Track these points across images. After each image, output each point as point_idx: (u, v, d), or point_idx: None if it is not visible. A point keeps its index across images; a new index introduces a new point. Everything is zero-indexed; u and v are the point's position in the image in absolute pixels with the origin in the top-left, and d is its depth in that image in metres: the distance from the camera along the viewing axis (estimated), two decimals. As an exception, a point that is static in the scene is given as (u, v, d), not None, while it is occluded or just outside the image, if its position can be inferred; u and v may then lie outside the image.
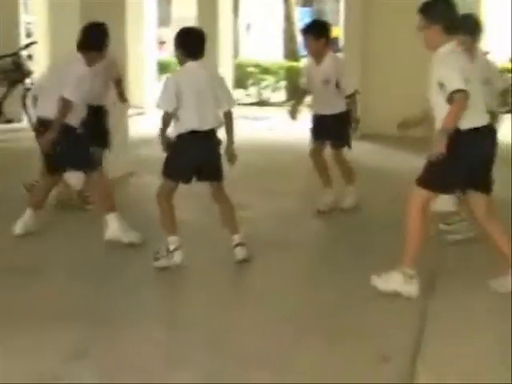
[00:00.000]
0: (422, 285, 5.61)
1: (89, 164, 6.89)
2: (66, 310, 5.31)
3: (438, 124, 5.41)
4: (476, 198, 5.72)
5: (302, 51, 27.83)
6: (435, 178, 5.48)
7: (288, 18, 21.50)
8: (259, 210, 8.07)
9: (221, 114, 6.27)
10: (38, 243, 6.76)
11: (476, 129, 5.41)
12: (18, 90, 13.09)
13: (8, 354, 4.57)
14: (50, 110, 6.60)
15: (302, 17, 33.84)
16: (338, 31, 14.29)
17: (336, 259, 6.49)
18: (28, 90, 12.95)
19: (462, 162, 5.41)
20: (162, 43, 24.22)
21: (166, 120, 6.17)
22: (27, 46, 13.81)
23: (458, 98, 5.23)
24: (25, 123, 13.01)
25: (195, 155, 6.16)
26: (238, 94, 17.83)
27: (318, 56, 7.90)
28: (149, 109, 15.90)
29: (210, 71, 6.47)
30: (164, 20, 27.30)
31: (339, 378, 4.34)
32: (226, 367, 4.46)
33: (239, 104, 16.99)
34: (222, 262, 6.40)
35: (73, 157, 6.85)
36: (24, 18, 15.39)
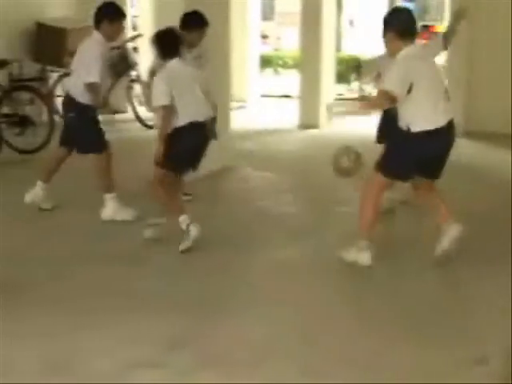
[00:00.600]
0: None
1: (96, 148, 7.26)
2: (167, 299, 5.39)
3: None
4: (425, 183, 6.27)
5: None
6: (392, 165, 6.01)
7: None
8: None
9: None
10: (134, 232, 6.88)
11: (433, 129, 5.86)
12: (123, 82, 13.32)
13: (106, 343, 4.67)
14: None
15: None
16: (442, 28, 14.05)
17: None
18: (133, 81, 13.20)
19: (417, 156, 5.92)
20: (264, 37, 24.33)
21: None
22: (133, 38, 14.03)
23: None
24: (130, 114, 13.27)
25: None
26: (341, 89, 17.78)
27: None
28: (251, 102, 16.02)
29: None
30: (267, 14, 27.41)
31: (433, 380, 4.28)
32: (319, 364, 4.45)
33: (341, 99, 16.98)
34: (324, 259, 6.41)
35: (82, 139, 7.30)
36: (130, 11, 15.65)
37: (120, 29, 7.49)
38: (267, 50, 23.62)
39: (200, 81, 6.63)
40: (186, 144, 6.44)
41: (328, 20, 13.64)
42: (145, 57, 13.72)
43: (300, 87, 13.77)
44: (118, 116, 13.64)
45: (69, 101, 7.28)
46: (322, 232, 7.10)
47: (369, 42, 27.57)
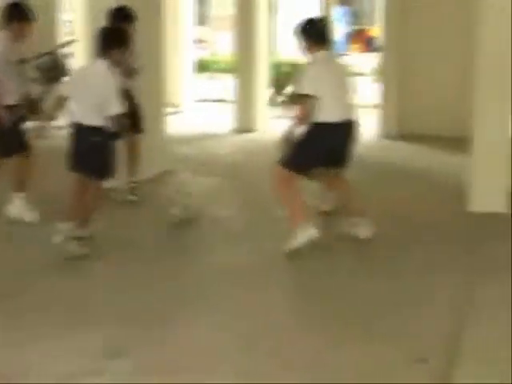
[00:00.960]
0: (458, 282, 5.63)
1: (15, 150, 7.21)
2: (108, 309, 5.37)
3: None
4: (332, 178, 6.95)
5: (340, 50, 27.90)
6: (293, 160, 6.47)
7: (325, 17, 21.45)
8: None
9: None
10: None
11: (333, 122, 6.45)
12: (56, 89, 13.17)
13: (39, 355, 4.62)
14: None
15: (338, 16, 33.81)
16: (375, 31, 14.19)
17: (374, 258, 6.47)
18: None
19: (316, 150, 6.48)
20: (201, 42, 24.29)
21: None
22: (66, 43, 13.87)
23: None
24: (62, 121, 13.11)
25: None
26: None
27: None
28: (187, 107, 15.97)
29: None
30: (204, 19, 27.39)
31: (373, 379, 4.32)
32: (259, 367, 4.46)
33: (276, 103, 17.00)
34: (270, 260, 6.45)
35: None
36: (64, 16, 15.49)
37: (29, 30, 7.38)
38: (204, 54, 23.59)
39: None
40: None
41: (262, 24, 13.69)
42: (81, 62, 13.62)
43: (235, 91, 13.77)
44: (51, 123, 13.45)
45: None
46: (260, 234, 7.12)
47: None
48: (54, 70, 12.98)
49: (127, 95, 7.91)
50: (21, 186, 7.35)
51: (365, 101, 17.48)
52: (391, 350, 4.63)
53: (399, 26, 12.76)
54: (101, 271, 6.17)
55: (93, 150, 6.44)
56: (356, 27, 42.00)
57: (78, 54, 14.23)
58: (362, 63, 23.54)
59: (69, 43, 13.86)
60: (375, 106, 13.98)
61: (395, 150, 11.63)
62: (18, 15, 7.18)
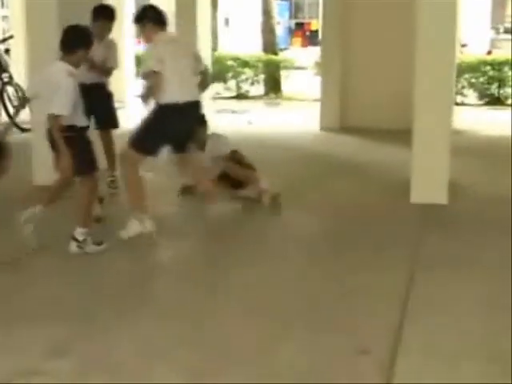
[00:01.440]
0: (400, 274, 5.72)
1: None
2: (46, 307, 5.28)
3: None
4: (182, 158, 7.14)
5: (281, 44, 28.00)
6: (142, 143, 6.66)
7: (266, 12, 21.50)
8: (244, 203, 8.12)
9: None
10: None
11: (179, 103, 6.63)
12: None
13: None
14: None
15: (280, 10, 33.94)
16: (316, 24, 14.27)
17: (319, 251, 6.51)
18: (5, 84, 12.88)
19: (164, 131, 6.65)
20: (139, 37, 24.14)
21: None
22: (4, 40, 13.72)
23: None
24: (3, 117, 12.95)
25: None
26: (218, 88, 17.83)
27: None
28: (129, 103, 15.85)
29: None
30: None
31: (318, 371, 4.33)
32: (207, 362, 4.44)
33: (218, 98, 17.04)
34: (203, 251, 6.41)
35: None
36: (0, 12, 15.30)
37: None
38: (141, 49, 23.44)
39: None
40: None
41: (203, 19, 13.65)
42: (17, 58, 13.46)
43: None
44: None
45: None
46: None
47: (245, 39, 27.86)
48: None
49: (100, 91, 8.41)
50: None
51: (306, 94, 17.78)
52: (335, 342, 4.66)
53: (340, 19, 12.85)
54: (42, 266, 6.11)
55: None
56: (298, 21, 42.19)
57: (16, 50, 14.07)
58: (304, 57, 23.69)
59: (6, 39, 13.75)
60: (316, 100, 14.08)
61: (336, 144, 11.72)
62: None
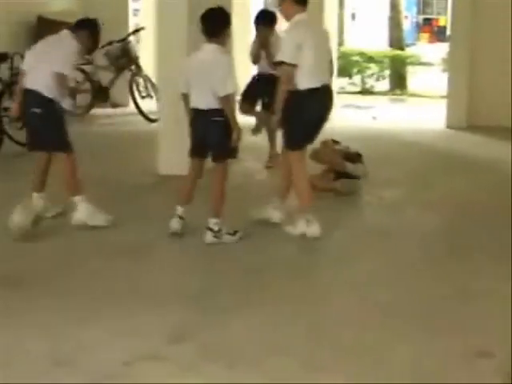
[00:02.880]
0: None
1: (64, 147, 6.82)
2: (169, 292, 5.39)
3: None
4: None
5: (408, 40, 27.67)
6: (293, 140, 6.57)
7: (394, 6, 21.29)
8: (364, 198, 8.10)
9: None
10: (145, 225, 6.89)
11: (318, 88, 6.44)
12: (125, 76, 13.32)
13: (114, 335, 4.66)
14: None
15: (408, 5, 33.53)
16: (444, 20, 14.04)
17: (436, 251, 6.41)
18: (135, 74, 13.19)
19: (305, 117, 6.44)
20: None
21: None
22: (135, 32, 14.02)
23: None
24: (131, 108, 13.26)
25: None
26: (343, 83, 17.78)
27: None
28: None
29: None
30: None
31: (437, 372, 4.27)
32: (323, 356, 4.43)
33: (343, 92, 16.99)
34: (320, 249, 6.43)
35: (49, 136, 6.86)
36: (132, 4, 15.64)
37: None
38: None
39: None
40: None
41: (330, 14, 13.64)
42: (146, 50, 13.75)
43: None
44: (119, 110, 13.65)
45: (33, 96, 6.77)
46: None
47: (371, 34, 27.66)
48: (123, 57, 13.18)
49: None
50: (76, 187, 6.90)
51: (433, 91, 17.51)
52: (454, 344, 4.58)
53: (469, 15, 12.60)
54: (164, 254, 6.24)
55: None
56: (425, 16, 41.62)
57: (145, 42, 14.37)
58: (431, 53, 23.35)
59: (137, 31, 14.05)
60: (443, 97, 13.86)
61: (462, 142, 11.50)
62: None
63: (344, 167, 8.16)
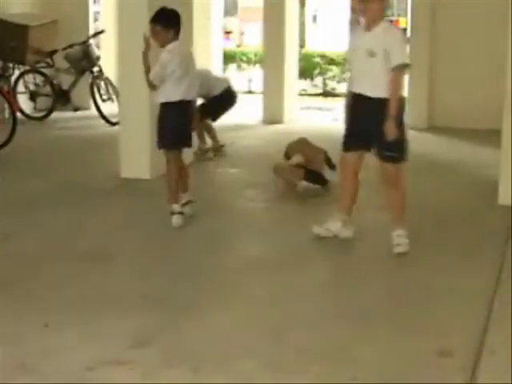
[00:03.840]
0: (487, 278, 5.68)
1: None
2: (136, 296, 5.36)
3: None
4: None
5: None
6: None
7: (354, 9, 21.35)
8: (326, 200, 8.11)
9: None
10: (120, 230, 6.88)
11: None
12: (86, 79, 13.24)
13: (78, 340, 4.63)
14: None
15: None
16: (404, 22, 14.13)
17: (406, 255, 6.43)
18: (96, 77, 13.11)
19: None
20: (227, 33, 24.25)
21: None
22: (95, 34, 13.95)
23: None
24: (92, 111, 13.18)
25: None
26: (304, 85, 17.80)
27: None
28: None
29: None
30: (230, 9, 27.33)
31: (401, 372, 4.30)
32: (287, 357, 4.45)
33: (305, 94, 17.02)
34: (285, 250, 6.44)
35: None
36: (92, 7, 15.55)
37: None
38: (231, 45, 23.55)
39: None
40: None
41: (291, 15, 13.66)
42: (107, 53, 13.68)
43: (263, 83, 13.77)
44: (80, 113, 13.56)
45: None
46: (287, 227, 7.12)
47: (332, 36, 27.71)
48: (84, 60, 13.10)
49: None
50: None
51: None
52: (418, 343, 4.62)
53: (428, 17, 12.69)
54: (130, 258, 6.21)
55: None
56: (385, 18, 41.83)
57: (105, 45, 14.29)
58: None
59: (97, 34, 13.97)
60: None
61: (423, 143, 11.57)
62: None
63: (321, 168, 8.21)
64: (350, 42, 6.57)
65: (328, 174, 8.25)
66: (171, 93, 6.80)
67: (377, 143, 6.23)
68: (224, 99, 10.18)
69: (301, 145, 8.58)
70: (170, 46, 6.81)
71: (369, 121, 6.20)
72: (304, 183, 8.07)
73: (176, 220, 6.87)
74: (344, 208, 6.59)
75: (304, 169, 8.16)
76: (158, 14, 6.95)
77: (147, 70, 6.80)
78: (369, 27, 6.33)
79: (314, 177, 8.18)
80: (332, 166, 8.21)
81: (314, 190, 8.15)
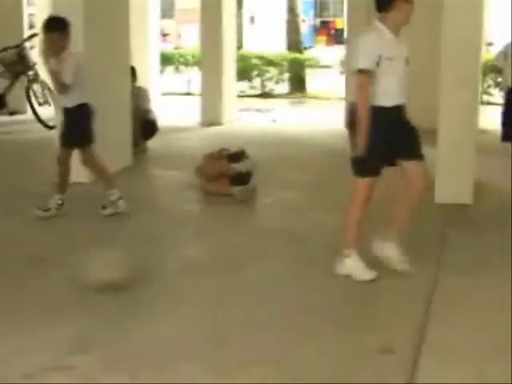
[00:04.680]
0: (425, 275, 5.72)
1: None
2: (74, 304, 5.30)
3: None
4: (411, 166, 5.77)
5: (306, 43, 27.93)
6: (365, 164, 5.64)
7: (291, 10, 21.47)
8: (264, 201, 8.12)
9: None
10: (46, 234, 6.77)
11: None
12: (22, 82, 13.08)
13: (14, 348, 4.56)
14: None
15: (305, 8, 33.89)
16: (341, 23, 14.22)
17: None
18: (31, 81, 12.94)
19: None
20: (165, 35, 24.21)
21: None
22: (30, 37, 13.78)
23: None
24: (28, 115, 13.02)
25: None
26: (242, 86, 17.83)
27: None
28: (153, 101, 15.87)
29: None
30: (167, 12, 27.28)
31: (343, 370, 4.32)
32: (228, 360, 4.44)
33: (243, 96, 17.05)
34: (222, 251, 6.43)
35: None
36: (27, 9, 15.36)
37: None
38: (168, 47, 23.52)
39: None
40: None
41: (228, 17, 13.66)
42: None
43: (201, 85, 13.75)
44: (17, 117, 13.39)
45: None
46: (225, 230, 7.12)
47: (270, 37, 27.83)
48: (19, 63, 12.93)
49: None
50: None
51: (332, 93, 17.73)
52: (358, 341, 4.65)
53: (365, 17, 12.77)
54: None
55: None
56: (323, 19, 42.10)
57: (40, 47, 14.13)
58: (329, 56, 23.64)
59: (31, 37, 13.79)
60: (342, 99, 14.04)
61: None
62: None
63: (233, 169, 8.25)
64: (382, 51, 5.78)
65: (239, 166, 8.37)
66: (79, 96, 7.00)
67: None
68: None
69: (206, 161, 8.60)
70: (66, 53, 6.89)
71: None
72: (236, 188, 8.06)
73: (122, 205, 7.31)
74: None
75: (226, 177, 8.22)
76: (52, 22, 6.99)
77: (57, 78, 6.87)
78: (397, 34, 6.00)
79: (239, 178, 8.21)
80: (239, 159, 8.41)
81: (248, 190, 8.15)
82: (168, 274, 5.91)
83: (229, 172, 8.24)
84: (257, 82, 18.86)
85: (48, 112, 12.26)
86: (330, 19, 41.35)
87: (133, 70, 10.40)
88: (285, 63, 19.12)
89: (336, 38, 36.48)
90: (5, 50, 12.80)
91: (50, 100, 12.62)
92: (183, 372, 4.28)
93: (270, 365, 4.37)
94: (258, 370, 4.30)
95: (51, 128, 11.61)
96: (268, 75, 18.88)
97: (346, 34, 14.04)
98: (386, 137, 5.62)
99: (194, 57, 18.58)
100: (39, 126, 12.46)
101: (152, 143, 10.98)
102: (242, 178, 8.19)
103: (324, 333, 4.80)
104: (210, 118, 13.36)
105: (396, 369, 4.32)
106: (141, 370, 4.29)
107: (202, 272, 5.96)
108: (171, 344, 4.65)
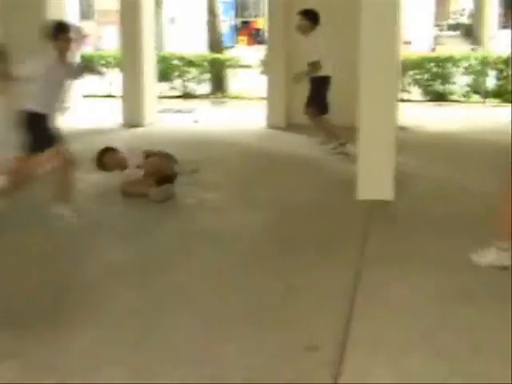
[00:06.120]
0: (347, 271, 5.76)
1: None
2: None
3: None
4: None
5: (227, 43, 27.95)
6: None
7: (211, 11, 21.45)
8: (186, 202, 8.10)
9: None
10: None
11: None
12: None
13: None
14: None
15: (225, 9, 33.89)
16: (261, 22, 14.27)
17: (265, 249, 6.50)
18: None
19: None
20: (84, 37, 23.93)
21: None
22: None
23: None
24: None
25: None
26: (163, 87, 17.74)
27: None
28: (74, 103, 15.70)
29: None
30: (86, 13, 27.00)
31: (267, 368, 4.34)
32: (152, 363, 4.41)
33: (164, 97, 16.96)
34: (144, 253, 6.40)
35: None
36: None
37: None
38: (88, 49, 23.25)
39: None
40: None
41: (147, 18, 13.58)
42: None
43: (122, 86, 13.66)
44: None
45: None
46: (148, 232, 7.08)
47: (190, 38, 27.76)
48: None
49: None
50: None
51: (252, 93, 17.77)
52: (282, 339, 4.66)
53: (284, 18, 12.85)
54: None
55: None
56: (243, 19, 42.17)
57: None
58: (250, 55, 23.68)
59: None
60: (263, 98, 14.10)
61: (282, 141, 11.76)
62: None
63: (172, 169, 8.27)
64: None
65: (176, 168, 8.52)
66: None
67: None
68: None
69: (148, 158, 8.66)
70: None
71: None
72: (154, 189, 8.03)
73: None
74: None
75: (154, 176, 8.22)
76: None
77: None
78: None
79: (164, 179, 8.21)
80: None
81: (168, 192, 8.12)
82: (91, 278, 5.85)
83: (167, 172, 8.33)
84: (178, 82, 18.79)
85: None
86: (251, 19, 41.47)
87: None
88: (205, 64, 19.09)
89: (257, 37, 36.62)
90: None
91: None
92: (107, 377, 4.24)
93: (192, 366, 4.37)
94: (181, 372, 4.29)
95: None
96: (189, 76, 18.82)
97: (266, 34, 14.08)
98: None
99: (115, 59, 18.40)
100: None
101: (72, 145, 10.84)
102: (170, 179, 8.22)
103: (245, 332, 4.81)
104: (132, 119, 13.27)
105: (321, 365, 4.35)
106: (66, 377, 4.25)
107: (125, 275, 5.92)
108: (95, 350, 4.60)
